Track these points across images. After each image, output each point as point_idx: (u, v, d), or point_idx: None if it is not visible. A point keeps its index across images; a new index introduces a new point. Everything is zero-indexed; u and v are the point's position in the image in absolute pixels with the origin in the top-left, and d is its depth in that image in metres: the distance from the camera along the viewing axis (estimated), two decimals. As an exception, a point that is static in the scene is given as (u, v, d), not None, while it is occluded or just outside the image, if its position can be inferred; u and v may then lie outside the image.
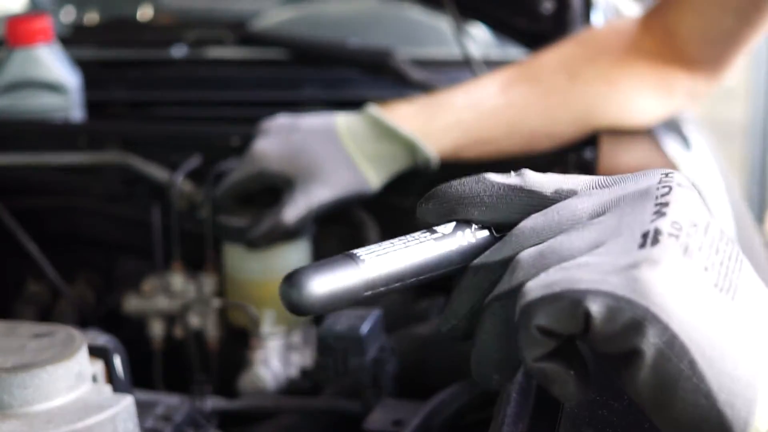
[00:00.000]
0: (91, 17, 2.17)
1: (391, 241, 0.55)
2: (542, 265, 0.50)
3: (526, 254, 0.52)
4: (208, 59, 1.81)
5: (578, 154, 1.28)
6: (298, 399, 1.08)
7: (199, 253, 1.31)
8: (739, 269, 0.51)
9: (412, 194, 1.34)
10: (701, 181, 1.44)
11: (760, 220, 4.14)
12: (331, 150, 1.22)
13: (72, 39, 1.77)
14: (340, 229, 1.32)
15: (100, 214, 1.43)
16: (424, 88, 1.54)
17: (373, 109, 1.25)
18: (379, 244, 0.55)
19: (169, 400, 0.97)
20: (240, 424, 1.04)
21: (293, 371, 1.21)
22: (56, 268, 1.33)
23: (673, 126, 1.54)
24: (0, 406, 0.70)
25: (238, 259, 1.25)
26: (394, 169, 1.25)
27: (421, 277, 0.54)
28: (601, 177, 0.55)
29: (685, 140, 1.56)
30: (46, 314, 1.39)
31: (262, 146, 1.24)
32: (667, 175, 0.54)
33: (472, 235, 0.56)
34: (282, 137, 1.24)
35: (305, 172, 1.21)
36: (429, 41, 1.90)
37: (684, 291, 0.47)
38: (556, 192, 0.55)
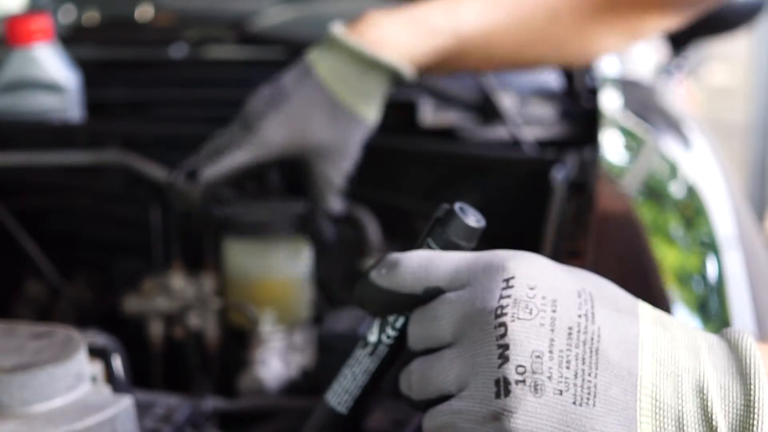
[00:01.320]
0: (91, 17, 2.17)
1: (344, 373, 0.65)
2: (422, 391, 0.59)
3: (415, 368, 0.60)
4: (208, 59, 1.81)
5: (579, 154, 1.28)
6: (298, 399, 1.08)
7: (199, 253, 1.31)
8: (594, 363, 0.55)
9: (412, 194, 1.34)
10: (701, 181, 1.44)
11: (760, 219, 4.14)
12: (328, 115, 1.21)
13: (71, 39, 1.76)
14: (340, 229, 1.32)
15: (100, 214, 1.43)
16: (423, 88, 1.54)
17: (348, 39, 1.21)
18: (340, 381, 0.65)
19: (169, 400, 0.97)
20: (240, 424, 1.04)
21: (293, 371, 1.21)
22: (56, 268, 1.32)
23: (673, 126, 1.54)
24: (-1, 406, 0.70)
25: (238, 259, 1.25)
26: (383, 96, 1.24)
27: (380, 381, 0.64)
28: (461, 270, 0.60)
29: (685, 140, 1.56)
30: (45, 314, 1.39)
31: (264, 128, 1.22)
32: (501, 302, 0.57)
33: (392, 329, 0.63)
34: (279, 115, 1.22)
35: (315, 153, 1.22)
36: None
37: (544, 427, 0.54)
38: (425, 291, 0.60)
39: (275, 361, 1.20)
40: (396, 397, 0.96)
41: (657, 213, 1.28)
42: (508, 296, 0.57)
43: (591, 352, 0.55)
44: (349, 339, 0.95)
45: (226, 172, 1.23)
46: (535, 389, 0.55)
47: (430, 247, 0.63)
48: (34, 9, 2.12)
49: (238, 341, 1.25)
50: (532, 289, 0.57)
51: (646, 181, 1.36)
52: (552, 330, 0.56)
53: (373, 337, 0.64)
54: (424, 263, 0.61)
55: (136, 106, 1.65)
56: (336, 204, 1.25)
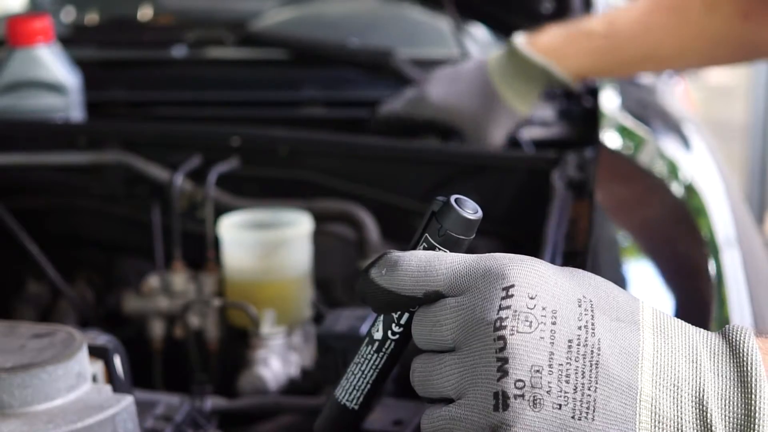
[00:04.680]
0: (91, 17, 2.17)
1: (351, 370, 0.65)
2: (424, 391, 0.60)
3: (417, 367, 0.61)
4: (208, 59, 1.81)
5: (579, 154, 1.28)
6: (298, 399, 1.08)
7: (200, 253, 1.31)
8: (594, 377, 0.55)
9: (412, 194, 1.34)
10: (700, 181, 1.44)
11: (760, 220, 4.14)
12: (485, 98, 1.40)
13: (72, 39, 1.77)
14: (340, 229, 1.32)
15: (100, 214, 1.43)
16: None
17: (518, 40, 1.40)
18: (348, 378, 0.65)
19: (169, 400, 0.97)
20: (240, 424, 1.04)
21: (293, 371, 1.21)
22: (56, 268, 1.33)
23: (673, 126, 1.55)
24: (0, 405, 0.70)
25: (238, 260, 1.25)
26: (536, 94, 1.41)
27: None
28: (460, 274, 0.59)
29: (685, 140, 1.56)
30: (46, 314, 1.39)
31: (431, 93, 1.43)
32: (500, 314, 0.56)
33: (396, 326, 0.63)
34: (447, 88, 1.42)
35: (464, 125, 1.41)
36: (429, 41, 1.90)
37: None
38: (425, 295, 0.60)
39: (275, 361, 1.20)
40: (396, 397, 0.97)
41: (656, 213, 1.28)
42: (508, 307, 0.56)
43: (591, 365, 0.55)
44: (349, 339, 0.95)
45: (394, 114, 1.45)
46: (534, 404, 0.55)
47: (428, 244, 0.62)
48: (34, 9, 2.12)
49: (239, 341, 1.25)
50: (532, 299, 0.56)
51: (645, 181, 1.36)
52: (552, 343, 0.55)
53: (378, 334, 0.63)
54: (422, 266, 0.60)
55: (136, 106, 1.65)
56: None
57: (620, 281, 0.98)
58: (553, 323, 0.56)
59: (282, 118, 1.59)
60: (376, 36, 1.91)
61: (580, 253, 0.97)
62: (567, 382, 0.55)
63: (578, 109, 1.52)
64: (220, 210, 1.30)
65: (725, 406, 0.55)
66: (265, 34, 1.82)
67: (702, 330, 0.59)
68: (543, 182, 1.22)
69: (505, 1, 1.65)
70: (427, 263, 0.60)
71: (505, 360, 0.55)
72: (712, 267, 1.17)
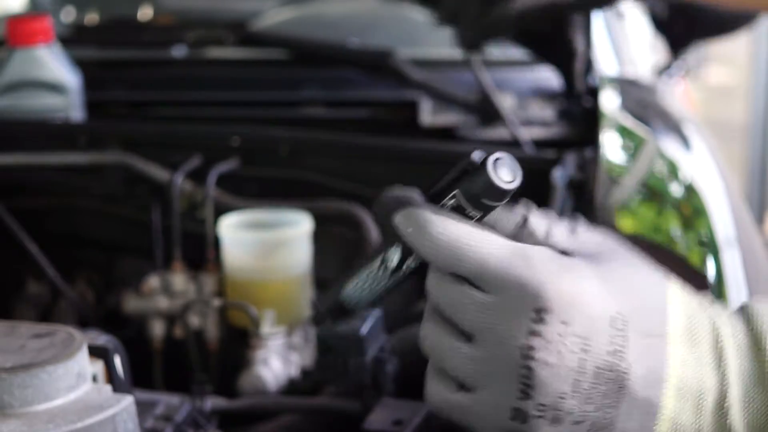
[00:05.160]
0: (91, 17, 2.17)
1: (360, 279, 0.63)
2: (434, 365, 0.59)
3: (428, 336, 0.59)
4: (208, 59, 1.81)
5: (579, 154, 1.28)
6: (298, 399, 1.08)
7: (200, 253, 1.31)
8: (617, 398, 0.55)
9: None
10: (701, 181, 1.44)
11: (760, 220, 4.14)
12: None
13: (72, 39, 1.77)
14: (340, 229, 1.32)
15: (100, 214, 1.43)
16: (423, 88, 1.54)
17: None
18: (354, 284, 0.63)
19: (169, 400, 0.97)
20: (240, 424, 1.04)
21: (293, 371, 1.21)
22: (56, 268, 1.32)
23: (673, 126, 1.54)
24: (0, 405, 0.70)
25: (238, 260, 1.25)
26: None
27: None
28: (492, 272, 0.57)
29: (685, 140, 1.56)
30: (46, 314, 1.39)
31: None
32: (530, 340, 0.55)
33: (414, 263, 0.61)
34: None
35: None
36: (429, 41, 1.90)
37: None
38: (450, 274, 0.58)
39: (275, 361, 1.20)
40: (396, 397, 0.97)
41: (656, 213, 1.28)
42: (539, 334, 0.55)
43: (616, 388, 0.55)
44: (349, 339, 0.95)
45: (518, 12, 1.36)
46: (553, 421, 0.55)
47: (456, 203, 0.58)
48: (34, 10, 2.12)
49: (238, 341, 1.25)
50: (565, 325, 0.55)
51: (645, 181, 1.36)
52: (580, 372, 0.55)
53: (393, 263, 0.61)
54: (452, 245, 0.57)
55: (136, 106, 1.65)
56: None
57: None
58: (584, 350, 0.55)
59: (282, 118, 1.59)
60: (376, 36, 1.91)
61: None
62: (589, 403, 0.55)
63: (578, 109, 1.52)
64: (220, 210, 1.30)
65: (747, 406, 0.56)
66: (265, 34, 1.82)
67: (730, 318, 0.59)
68: (543, 182, 1.22)
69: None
70: (457, 245, 0.57)
71: (530, 386, 0.55)
72: (711, 267, 1.17)
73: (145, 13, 2.13)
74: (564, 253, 0.59)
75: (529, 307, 0.55)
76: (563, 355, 0.55)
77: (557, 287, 0.55)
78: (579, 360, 0.55)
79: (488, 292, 0.56)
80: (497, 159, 0.57)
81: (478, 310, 0.56)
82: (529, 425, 0.55)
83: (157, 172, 1.35)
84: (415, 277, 0.61)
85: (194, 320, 1.28)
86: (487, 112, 1.50)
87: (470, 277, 0.57)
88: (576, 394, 0.55)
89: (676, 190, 1.40)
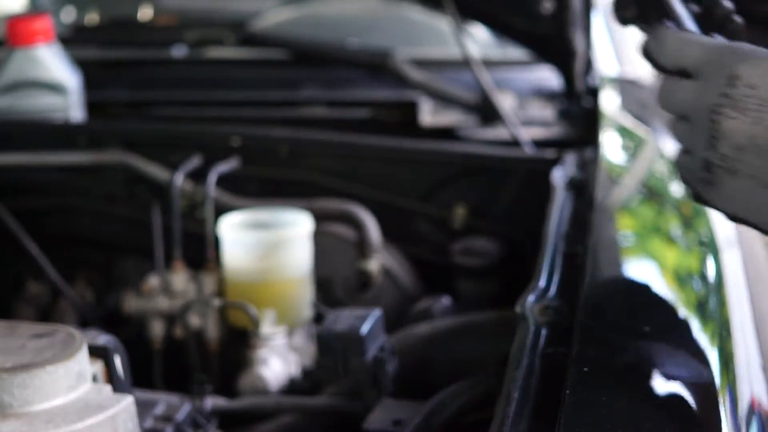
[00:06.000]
0: (92, 17, 2.17)
1: None
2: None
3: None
4: (208, 59, 1.81)
5: (579, 154, 1.28)
6: (298, 399, 1.08)
7: (200, 253, 1.31)
8: None
9: (412, 194, 1.34)
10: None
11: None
12: None
13: (72, 39, 1.77)
14: (340, 229, 1.32)
15: (100, 214, 1.44)
16: (423, 88, 1.54)
17: None
18: None
19: (169, 400, 0.97)
20: (240, 424, 1.04)
21: (293, 371, 1.21)
22: (56, 268, 1.33)
23: (673, 126, 1.54)
24: (0, 405, 0.70)
25: (238, 260, 1.25)
26: None
27: None
28: (704, 60, 0.70)
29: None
30: (46, 314, 1.39)
31: None
32: (719, 99, 0.67)
33: None
34: None
35: None
36: (429, 41, 1.90)
37: (741, 205, 0.68)
38: (674, 67, 0.74)
39: (275, 361, 1.20)
40: (396, 397, 0.97)
41: (657, 213, 1.28)
42: (726, 95, 0.66)
43: None
44: (349, 339, 0.95)
45: None
46: (732, 173, 0.67)
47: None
48: (35, 10, 2.12)
49: (238, 341, 1.25)
50: (752, 88, 0.65)
51: (646, 181, 1.36)
52: (757, 126, 0.65)
53: None
54: (678, 46, 0.72)
55: (136, 106, 1.65)
56: None
57: (620, 281, 0.98)
58: (763, 110, 0.65)
59: (282, 118, 1.59)
60: (376, 36, 1.91)
61: (580, 254, 0.97)
62: (763, 158, 0.65)
63: (578, 109, 1.52)
64: (220, 210, 1.30)
65: None
66: (265, 35, 1.82)
67: None
68: (543, 182, 1.22)
69: (505, 1, 1.65)
70: (680, 45, 0.72)
71: (715, 138, 0.67)
72: (711, 267, 1.17)
73: (145, 13, 2.13)
74: None
75: (723, 75, 0.67)
76: (744, 112, 0.65)
77: (748, 60, 0.67)
78: (756, 118, 0.65)
79: (697, 78, 0.69)
80: None
81: (684, 93, 0.70)
82: (714, 175, 0.67)
83: (157, 172, 1.35)
84: None
85: (194, 320, 1.28)
86: (487, 112, 1.50)
87: (688, 68, 0.71)
88: (753, 147, 0.65)
89: (676, 190, 1.40)
